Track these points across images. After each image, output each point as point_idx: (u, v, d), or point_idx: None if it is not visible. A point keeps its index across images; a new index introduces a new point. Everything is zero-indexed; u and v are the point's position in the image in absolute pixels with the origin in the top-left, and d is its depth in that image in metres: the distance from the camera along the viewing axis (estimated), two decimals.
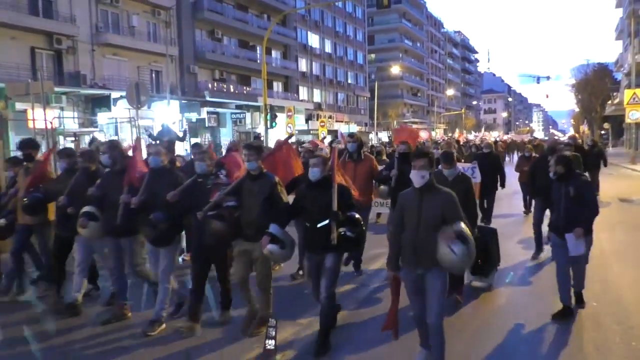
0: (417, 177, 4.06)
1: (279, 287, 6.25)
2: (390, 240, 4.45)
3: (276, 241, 4.62)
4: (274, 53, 41.82)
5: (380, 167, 7.72)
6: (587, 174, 12.86)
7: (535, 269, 7.54)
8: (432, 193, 4.08)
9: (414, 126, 57.67)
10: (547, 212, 7.14)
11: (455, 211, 4.05)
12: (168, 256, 5.36)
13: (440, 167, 5.82)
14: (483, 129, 43.15)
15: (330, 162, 4.99)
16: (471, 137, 50.41)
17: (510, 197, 13.42)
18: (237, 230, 5.06)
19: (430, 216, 4.02)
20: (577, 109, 69.18)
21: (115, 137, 21.80)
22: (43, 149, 16.27)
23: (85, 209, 5.45)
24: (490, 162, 10.13)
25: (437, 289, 4.06)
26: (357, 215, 4.72)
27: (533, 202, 9.79)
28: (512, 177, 12.18)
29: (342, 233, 4.58)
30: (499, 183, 10.42)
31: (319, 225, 4.61)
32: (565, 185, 5.43)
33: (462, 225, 3.95)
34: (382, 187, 7.18)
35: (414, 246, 4.07)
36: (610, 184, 16.95)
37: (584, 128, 59.07)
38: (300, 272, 6.99)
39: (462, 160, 10.36)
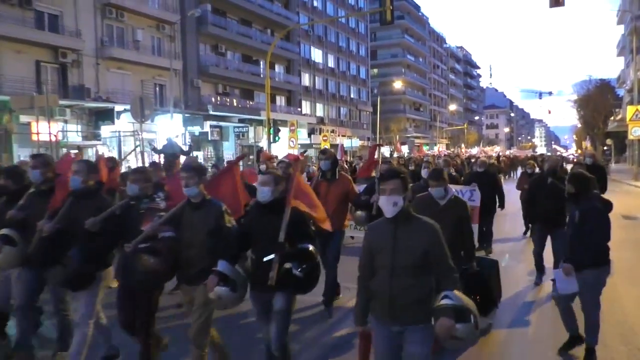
0: (387, 205, 3.15)
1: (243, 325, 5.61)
2: (358, 286, 3.45)
3: (226, 282, 3.75)
4: (277, 67, 42.06)
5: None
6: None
7: (540, 301, 6.81)
8: (410, 224, 3.19)
9: (417, 141, 57.81)
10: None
11: (440, 250, 3.16)
12: (89, 300, 4.37)
13: (428, 187, 5.10)
14: (481, 144, 42.72)
15: (290, 180, 4.24)
16: (474, 151, 50.39)
17: (511, 217, 12.35)
18: (174, 269, 4.18)
19: (408, 255, 3.12)
20: (579, 125, 69.29)
21: (111, 150, 21.89)
22: None
23: (3, 231, 4.61)
24: (486, 181, 9.35)
25: (418, 352, 3.14)
26: (310, 248, 3.90)
27: (531, 226, 9.41)
28: (514, 194, 11.99)
29: (288, 269, 3.77)
30: (497, 204, 9.87)
31: (265, 259, 3.82)
32: (573, 209, 4.81)
33: (454, 295, 3.05)
34: (358, 212, 6.31)
35: (388, 295, 3.15)
36: (614, 201, 16.74)
37: (587, 144, 59.08)
38: None
39: (462, 180, 9.59)
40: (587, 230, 4.56)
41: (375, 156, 8.71)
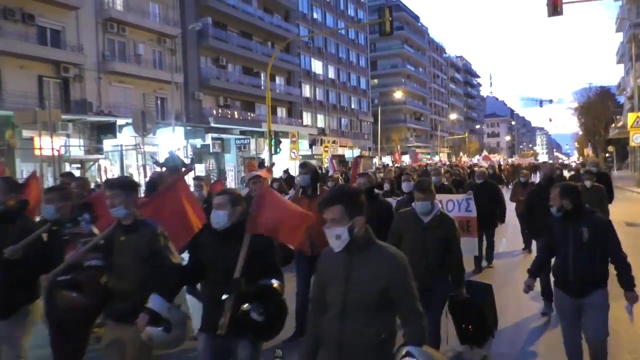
0: (329, 239, 2.56)
1: None
2: (307, 324, 2.93)
3: (159, 321, 3.11)
4: (277, 79, 42.25)
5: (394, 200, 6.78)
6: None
7: (544, 328, 6.15)
8: (367, 254, 2.56)
9: (418, 150, 57.87)
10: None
11: (404, 289, 2.53)
12: (15, 338, 3.83)
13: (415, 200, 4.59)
14: (483, 152, 41.85)
15: (256, 200, 3.65)
16: (475, 160, 50.17)
17: (508, 231, 11.75)
18: (103, 304, 3.53)
19: (362, 292, 2.51)
20: (580, 132, 69.34)
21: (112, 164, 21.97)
22: (49, 175, 16.41)
23: None
24: (486, 193, 8.84)
25: None
26: (274, 284, 3.20)
27: (534, 242, 8.95)
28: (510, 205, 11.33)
29: (246, 312, 3.08)
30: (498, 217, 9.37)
31: (223, 297, 3.16)
32: (574, 225, 4.06)
33: (420, 354, 2.42)
34: None
35: (337, 339, 2.57)
36: (616, 208, 16.71)
37: (588, 151, 59.11)
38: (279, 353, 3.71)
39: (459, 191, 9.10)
40: (612, 247, 4.06)
41: (361, 169, 8.72)
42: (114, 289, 3.46)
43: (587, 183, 8.23)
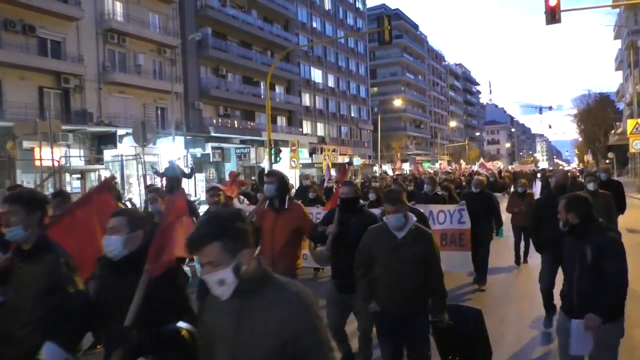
0: (210, 284, 1.89)
1: None
2: None
3: None
4: (277, 88, 42.37)
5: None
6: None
7: (551, 355, 5.30)
8: (261, 298, 1.91)
9: (418, 158, 57.90)
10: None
11: (311, 341, 1.88)
12: None
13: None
14: (481, 159, 40.90)
15: (165, 220, 2.95)
16: (476, 167, 49.88)
17: (501, 244, 10.45)
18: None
19: (255, 348, 1.87)
20: (580, 139, 69.38)
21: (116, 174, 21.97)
22: (49, 186, 16.42)
23: None
24: (482, 204, 8.12)
25: None
26: (181, 330, 2.55)
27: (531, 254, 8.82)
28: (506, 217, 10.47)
29: None
30: (494, 231, 8.52)
31: (107, 349, 2.66)
32: (580, 243, 3.59)
33: None
34: (319, 248, 4.82)
35: None
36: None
37: (589, 158, 59.12)
38: None
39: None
40: (609, 270, 3.44)
41: (347, 178, 8.42)
42: (8, 329, 2.76)
43: (591, 186, 7.26)
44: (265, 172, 5.81)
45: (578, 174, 16.28)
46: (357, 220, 4.56)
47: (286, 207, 4.79)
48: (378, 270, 3.79)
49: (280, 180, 4.84)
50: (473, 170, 37.56)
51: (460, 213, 7.30)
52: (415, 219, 3.96)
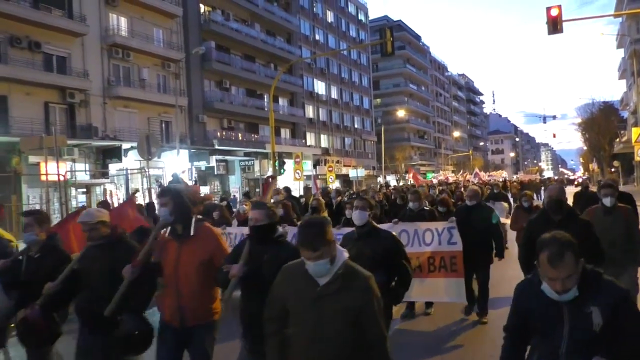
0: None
1: None
2: None
3: None
4: (281, 100, 42.55)
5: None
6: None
7: None
8: None
9: (422, 169, 57.82)
10: None
11: None
12: None
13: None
14: (474, 170, 37.10)
15: None
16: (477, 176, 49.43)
17: (510, 269, 8.06)
18: None
19: None
20: (585, 148, 69.23)
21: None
22: (55, 200, 16.49)
23: None
24: (478, 220, 6.74)
25: None
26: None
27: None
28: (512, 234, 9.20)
29: None
30: (494, 253, 7.06)
31: None
32: (577, 301, 2.41)
33: None
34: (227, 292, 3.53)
35: None
36: None
37: (594, 166, 58.94)
38: None
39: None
40: (628, 342, 2.36)
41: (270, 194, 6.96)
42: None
43: (608, 201, 5.30)
44: (160, 190, 3.96)
45: (587, 182, 14.65)
46: (272, 255, 3.34)
47: (192, 233, 3.72)
48: (292, 328, 2.73)
49: (177, 200, 3.71)
50: (467, 181, 34.70)
51: (450, 232, 6.22)
52: (346, 255, 2.73)
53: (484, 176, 41.62)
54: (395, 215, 7.86)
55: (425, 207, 7.53)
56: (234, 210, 13.20)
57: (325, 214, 8.88)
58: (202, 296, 3.70)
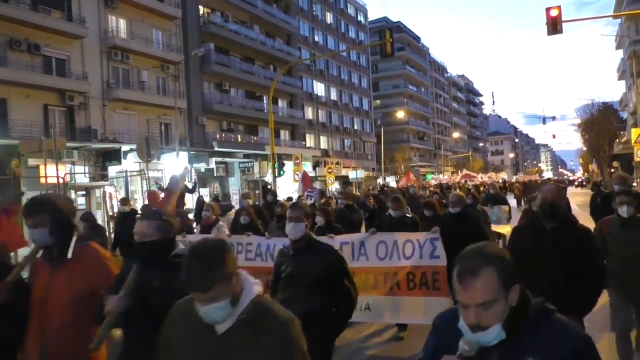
0: None
1: None
2: None
3: None
4: (280, 102, 42.54)
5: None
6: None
7: None
8: None
9: (422, 170, 57.80)
10: None
11: None
12: None
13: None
14: (463, 172, 33.40)
15: None
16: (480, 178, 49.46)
17: None
18: None
19: None
20: (584, 148, 69.22)
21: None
22: None
23: None
24: (461, 229, 5.63)
25: None
26: None
27: None
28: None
29: None
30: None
31: None
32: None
33: None
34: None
35: None
36: None
37: (593, 167, 58.97)
38: None
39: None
40: None
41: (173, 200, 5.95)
42: None
43: (624, 210, 4.41)
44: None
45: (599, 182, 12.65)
46: (164, 282, 2.52)
47: (70, 256, 2.88)
48: None
49: (55, 217, 2.85)
50: (450, 184, 33.29)
51: (433, 244, 5.38)
52: (255, 291, 2.04)
53: (480, 177, 40.84)
54: (372, 224, 7.34)
55: (407, 215, 6.77)
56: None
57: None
58: (74, 339, 2.75)
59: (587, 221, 10.49)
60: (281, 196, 19.34)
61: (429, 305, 5.32)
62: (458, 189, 17.77)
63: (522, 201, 31.62)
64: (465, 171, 37.91)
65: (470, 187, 20.85)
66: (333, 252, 3.87)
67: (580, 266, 2.85)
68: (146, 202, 16.14)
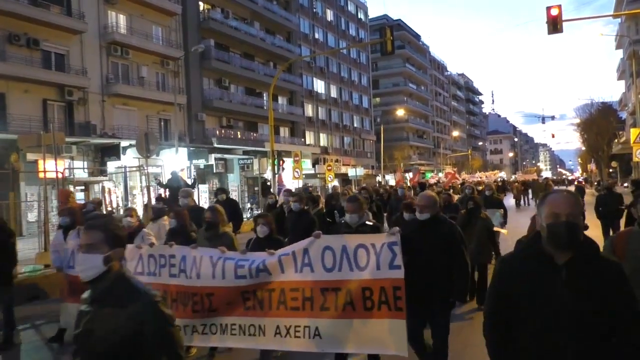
0: None
1: None
2: None
3: None
4: (280, 99, 42.52)
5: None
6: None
7: None
8: None
9: (421, 168, 57.79)
10: None
11: None
12: None
13: None
14: (445, 170, 30.75)
15: None
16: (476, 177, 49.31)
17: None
18: None
19: None
20: (583, 148, 69.31)
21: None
22: (53, 198, 16.44)
23: None
24: (430, 240, 4.53)
25: None
26: None
27: None
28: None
29: None
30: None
31: None
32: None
33: None
34: None
35: None
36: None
37: (592, 167, 59.03)
38: None
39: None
40: None
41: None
42: None
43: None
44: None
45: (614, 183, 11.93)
46: None
47: None
48: None
49: None
50: (478, 181, 33.33)
51: (392, 250, 4.16)
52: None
53: (490, 175, 39.96)
54: (326, 231, 5.32)
55: (368, 222, 5.10)
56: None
57: (228, 229, 6.18)
58: None
59: (594, 227, 9.90)
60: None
61: (393, 329, 4.15)
62: (451, 190, 16.57)
63: (522, 202, 31.83)
64: (447, 169, 36.22)
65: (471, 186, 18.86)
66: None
67: (614, 328, 1.94)
68: (145, 199, 16.15)
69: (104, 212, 10.17)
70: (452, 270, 4.53)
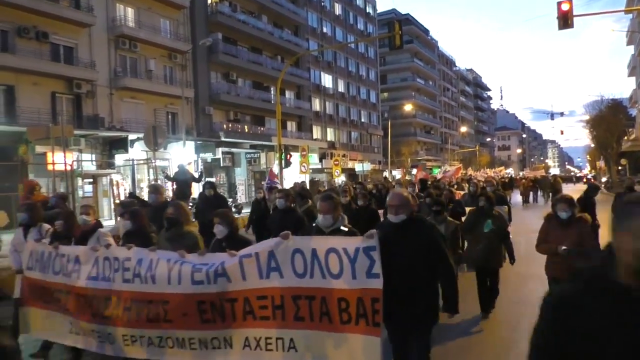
0: None
1: None
2: None
3: None
4: (287, 93, 42.48)
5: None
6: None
7: None
8: None
9: (428, 164, 57.63)
10: None
11: None
12: None
13: None
14: (420, 165, 28.94)
15: None
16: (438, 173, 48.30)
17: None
18: None
19: None
20: (592, 145, 68.80)
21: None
22: (62, 190, 16.56)
23: None
24: (408, 245, 3.90)
25: None
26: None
27: None
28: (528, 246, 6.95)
29: None
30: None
31: None
32: None
33: None
34: None
35: None
36: None
37: (601, 164, 58.63)
38: None
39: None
40: None
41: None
42: None
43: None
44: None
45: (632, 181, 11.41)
46: None
47: None
48: None
49: None
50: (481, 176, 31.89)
51: (370, 256, 3.67)
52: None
53: (495, 172, 39.48)
54: (300, 232, 4.91)
55: (343, 227, 4.36)
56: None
57: (193, 228, 5.67)
58: None
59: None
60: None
61: (367, 348, 3.68)
62: (455, 187, 16.28)
63: (530, 199, 31.13)
64: (443, 167, 34.89)
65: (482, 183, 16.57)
66: None
67: None
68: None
69: (69, 207, 9.43)
70: (436, 277, 3.99)
